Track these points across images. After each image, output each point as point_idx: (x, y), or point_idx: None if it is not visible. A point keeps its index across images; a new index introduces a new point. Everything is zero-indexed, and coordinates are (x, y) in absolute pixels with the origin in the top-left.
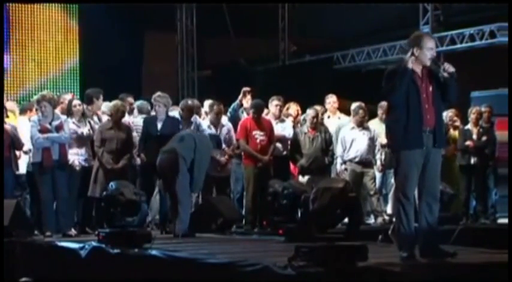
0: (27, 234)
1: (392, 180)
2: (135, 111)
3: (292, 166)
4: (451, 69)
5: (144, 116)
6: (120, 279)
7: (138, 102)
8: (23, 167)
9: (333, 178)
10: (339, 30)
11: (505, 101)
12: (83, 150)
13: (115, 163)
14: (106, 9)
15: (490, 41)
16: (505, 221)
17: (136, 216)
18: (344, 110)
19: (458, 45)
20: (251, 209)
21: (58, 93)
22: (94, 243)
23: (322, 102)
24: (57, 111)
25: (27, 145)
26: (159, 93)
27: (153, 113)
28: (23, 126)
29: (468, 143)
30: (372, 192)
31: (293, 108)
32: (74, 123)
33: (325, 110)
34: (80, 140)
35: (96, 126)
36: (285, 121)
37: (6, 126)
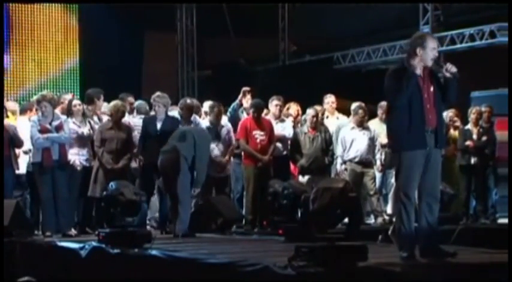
0: (27, 234)
1: (393, 180)
2: (135, 111)
3: (292, 166)
4: (454, 69)
5: (142, 116)
6: (120, 279)
7: (137, 103)
8: (23, 167)
9: (333, 178)
10: (339, 30)
11: (505, 101)
12: (84, 150)
13: (115, 163)
14: (106, 9)
15: (490, 41)
16: (505, 221)
17: (136, 216)
18: (344, 110)
19: (458, 45)
20: (251, 209)
21: (58, 93)
22: (94, 243)
23: (321, 102)
24: (57, 111)
25: (27, 145)
26: (158, 93)
27: (152, 113)
28: (22, 126)
29: (468, 143)
30: (371, 192)
31: (293, 108)
32: (74, 123)
33: (324, 110)
34: (81, 140)
35: (96, 126)
36: (285, 121)
37: (5, 124)
